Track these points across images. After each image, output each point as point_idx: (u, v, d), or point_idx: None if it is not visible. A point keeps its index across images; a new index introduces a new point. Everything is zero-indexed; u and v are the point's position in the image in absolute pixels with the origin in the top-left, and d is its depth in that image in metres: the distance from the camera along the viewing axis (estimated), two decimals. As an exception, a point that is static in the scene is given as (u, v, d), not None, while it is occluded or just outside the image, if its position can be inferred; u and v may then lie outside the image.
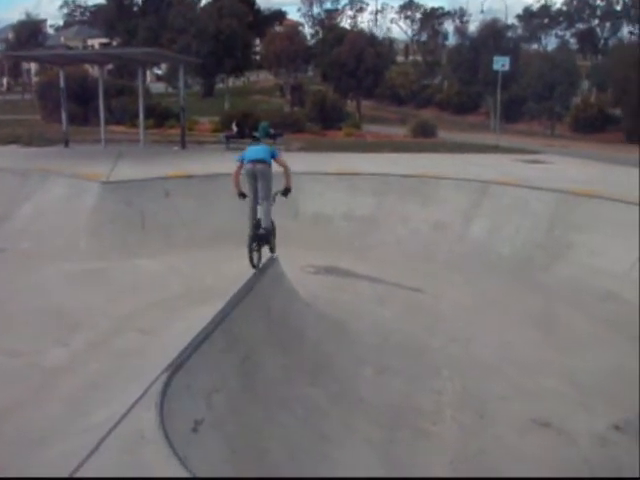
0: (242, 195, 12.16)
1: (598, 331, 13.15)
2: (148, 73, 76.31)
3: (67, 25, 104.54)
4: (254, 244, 11.96)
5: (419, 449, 9.50)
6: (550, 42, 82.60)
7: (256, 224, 12.01)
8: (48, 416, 8.08)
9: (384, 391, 10.73)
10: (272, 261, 12.40)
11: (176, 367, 8.07)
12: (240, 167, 12.06)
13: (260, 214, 12.00)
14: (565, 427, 9.94)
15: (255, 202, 12.05)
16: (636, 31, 76.37)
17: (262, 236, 12.04)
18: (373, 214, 19.21)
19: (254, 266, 11.80)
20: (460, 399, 10.86)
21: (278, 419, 9.04)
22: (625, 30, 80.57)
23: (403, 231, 18.46)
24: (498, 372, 11.68)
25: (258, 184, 11.91)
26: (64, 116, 29.39)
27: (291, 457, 8.53)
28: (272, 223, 12.27)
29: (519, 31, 77.75)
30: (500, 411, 10.46)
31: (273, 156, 12.04)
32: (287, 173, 12.28)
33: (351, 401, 10.23)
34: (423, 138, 37.95)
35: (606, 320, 13.45)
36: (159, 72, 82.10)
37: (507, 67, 35.86)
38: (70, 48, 67.14)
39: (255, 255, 11.96)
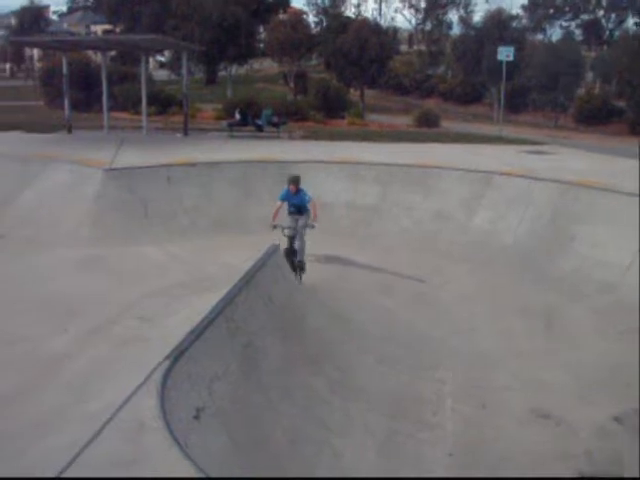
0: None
1: (598, 323, 13.13)
2: (151, 60, 76.08)
3: (70, 11, 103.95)
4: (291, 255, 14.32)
5: (419, 439, 9.49)
6: (555, 33, 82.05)
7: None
8: (47, 403, 8.03)
9: (385, 381, 10.73)
10: (273, 249, 12.36)
11: (177, 354, 8.04)
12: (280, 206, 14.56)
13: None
14: (565, 418, 9.93)
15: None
16: (641, 22, 75.98)
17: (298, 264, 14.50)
18: (376, 203, 19.18)
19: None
20: (461, 389, 10.86)
21: (279, 407, 9.02)
22: (631, 21, 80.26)
23: (406, 221, 18.43)
24: (500, 363, 11.68)
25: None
26: (67, 102, 29.28)
27: (292, 445, 8.52)
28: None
29: (524, 21, 77.21)
30: (501, 402, 10.46)
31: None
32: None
33: (352, 390, 10.22)
34: (426, 128, 37.88)
35: (606, 312, 13.43)
36: (162, 59, 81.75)
37: (511, 57, 35.68)
38: (73, 34, 66.85)
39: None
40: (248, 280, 10.61)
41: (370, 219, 18.68)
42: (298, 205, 14.50)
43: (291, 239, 14.39)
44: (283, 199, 14.51)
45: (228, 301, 9.75)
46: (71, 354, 9.55)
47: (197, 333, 8.56)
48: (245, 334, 9.65)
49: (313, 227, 14.31)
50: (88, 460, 6.17)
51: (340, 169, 20.26)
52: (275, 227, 14.18)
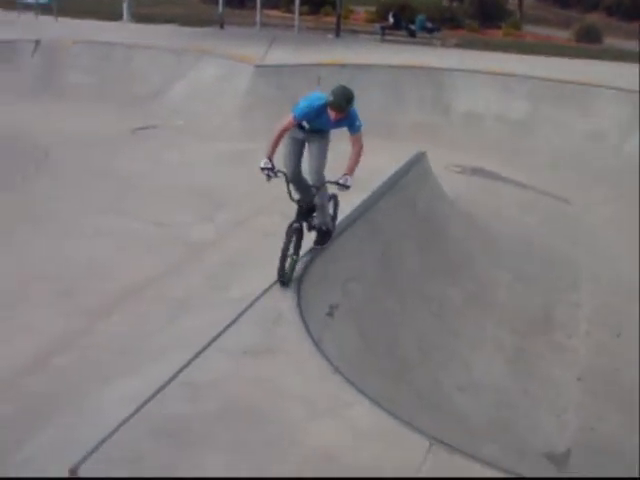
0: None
1: None
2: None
3: None
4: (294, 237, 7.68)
5: (550, 360, 9.40)
6: None
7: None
8: (190, 286, 8.41)
9: (521, 298, 10.61)
10: (420, 156, 12.23)
11: (316, 252, 8.18)
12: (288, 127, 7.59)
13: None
14: None
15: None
16: None
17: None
18: (526, 118, 18.54)
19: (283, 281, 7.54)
20: (598, 315, 10.62)
21: (412, 312, 9.08)
22: None
23: (556, 138, 17.77)
24: (640, 294, 11.30)
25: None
26: (221, -2, 29.51)
27: (421, 350, 8.61)
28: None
29: None
30: (637, 333, 10.16)
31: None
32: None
33: (487, 304, 10.16)
34: (587, 43, 36.11)
35: None
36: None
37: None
38: None
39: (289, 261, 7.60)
40: (392, 185, 10.59)
41: (519, 134, 18.09)
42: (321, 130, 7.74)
43: (304, 196, 7.95)
44: (301, 117, 7.48)
45: (370, 204, 9.79)
46: (215, 242, 9.88)
47: (337, 232, 8.65)
48: (385, 238, 9.69)
49: (347, 188, 7.40)
50: (224, 345, 6.46)
51: (493, 80, 19.60)
52: (273, 174, 7.53)
